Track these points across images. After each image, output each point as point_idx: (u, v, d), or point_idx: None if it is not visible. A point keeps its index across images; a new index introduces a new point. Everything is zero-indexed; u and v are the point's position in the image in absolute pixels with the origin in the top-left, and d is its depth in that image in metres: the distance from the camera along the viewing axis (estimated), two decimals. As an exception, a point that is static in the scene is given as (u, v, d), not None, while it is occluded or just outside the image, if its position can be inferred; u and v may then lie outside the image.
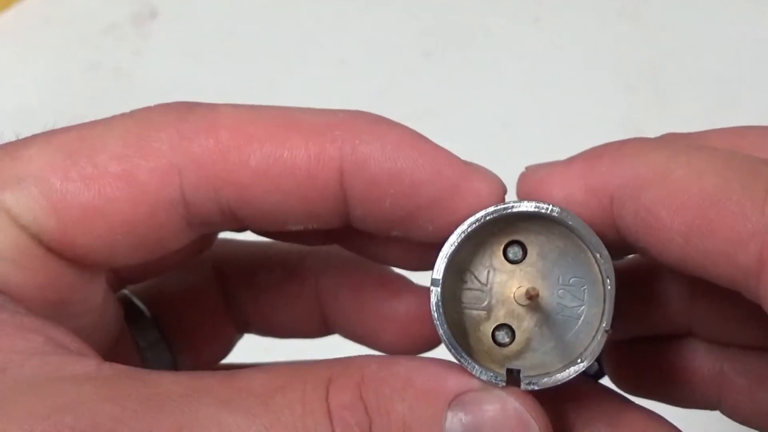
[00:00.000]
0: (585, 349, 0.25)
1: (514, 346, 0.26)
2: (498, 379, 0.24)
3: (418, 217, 0.25)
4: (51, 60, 0.76)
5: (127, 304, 0.31)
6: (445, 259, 0.25)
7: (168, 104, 0.26)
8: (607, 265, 0.25)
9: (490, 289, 0.26)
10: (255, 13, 0.78)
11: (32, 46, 0.78)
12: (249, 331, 0.34)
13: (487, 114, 0.71)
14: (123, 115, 0.26)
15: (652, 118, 0.70)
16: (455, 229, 0.25)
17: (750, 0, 0.75)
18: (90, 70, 0.76)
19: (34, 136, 0.26)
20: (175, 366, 0.32)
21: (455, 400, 0.22)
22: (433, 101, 0.72)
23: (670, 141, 0.27)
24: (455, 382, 0.23)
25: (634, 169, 0.25)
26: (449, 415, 0.22)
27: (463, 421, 0.22)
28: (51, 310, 0.25)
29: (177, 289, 0.32)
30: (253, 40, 0.77)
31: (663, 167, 0.24)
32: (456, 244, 0.25)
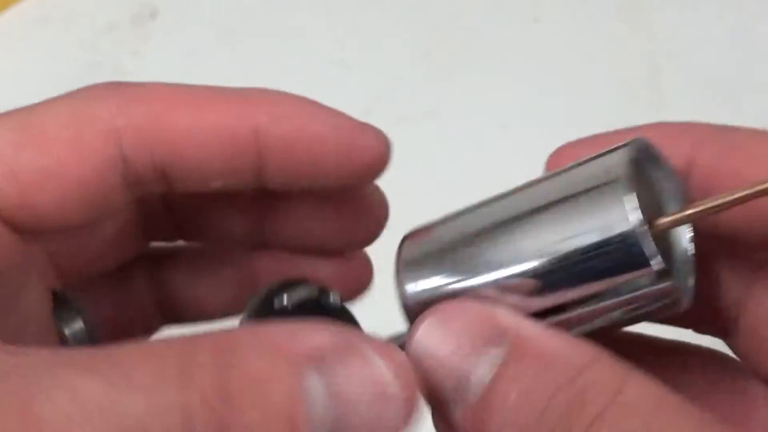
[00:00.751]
0: None
1: None
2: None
3: (323, 167, 0.29)
4: (51, 60, 0.77)
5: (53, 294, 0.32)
6: None
7: (105, 82, 0.29)
8: None
9: None
10: (255, 13, 0.78)
11: (32, 46, 0.78)
12: (178, 320, 0.34)
13: (486, 114, 0.71)
14: (65, 94, 0.29)
15: (651, 118, 0.70)
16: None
17: (750, 0, 0.75)
18: (90, 70, 0.76)
19: None
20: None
21: (316, 358, 0.21)
22: (432, 101, 0.72)
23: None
24: (317, 336, 0.21)
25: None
26: (311, 376, 0.21)
27: (322, 380, 0.21)
28: None
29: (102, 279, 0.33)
30: (253, 41, 0.77)
31: None
32: None
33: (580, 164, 0.25)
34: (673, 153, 0.26)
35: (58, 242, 0.29)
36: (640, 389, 0.21)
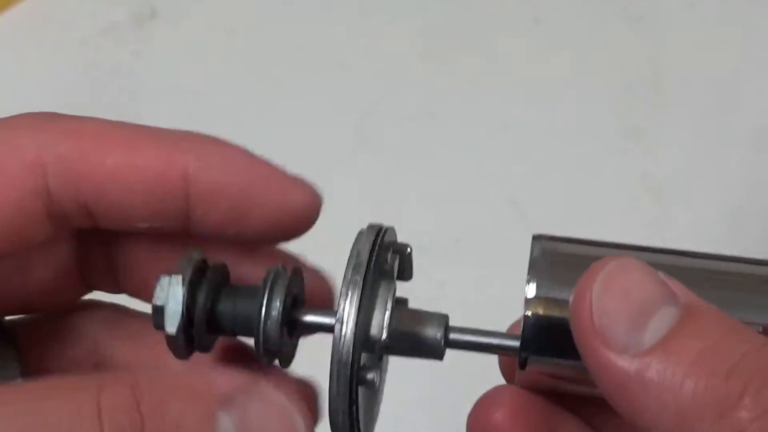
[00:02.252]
0: None
1: None
2: None
3: (250, 218, 0.29)
4: (51, 60, 0.76)
5: None
6: None
7: (36, 112, 0.29)
8: None
9: None
10: (255, 14, 0.78)
11: (32, 46, 0.78)
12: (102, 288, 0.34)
13: (487, 116, 0.71)
14: None
15: (651, 120, 0.70)
16: None
17: (750, 1, 0.75)
18: (90, 70, 0.76)
19: None
20: (26, 367, 0.32)
21: (225, 400, 0.22)
22: (432, 103, 0.72)
23: None
24: (225, 380, 0.23)
25: None
26: (221, 415, 0.22)
27: (233, 420, 0.22)
28: None
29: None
30: (253, 41, 0.77)
31: None
32: None
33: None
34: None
35: None
36: None
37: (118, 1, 0.79)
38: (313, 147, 0.71)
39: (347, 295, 0.26)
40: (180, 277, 0.27)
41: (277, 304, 0.27)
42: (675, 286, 0.24)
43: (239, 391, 0.23)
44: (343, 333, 0.26)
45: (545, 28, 0.76)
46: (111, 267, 0.32)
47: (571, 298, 0.24)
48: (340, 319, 0.26)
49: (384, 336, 0.27)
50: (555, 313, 0.26)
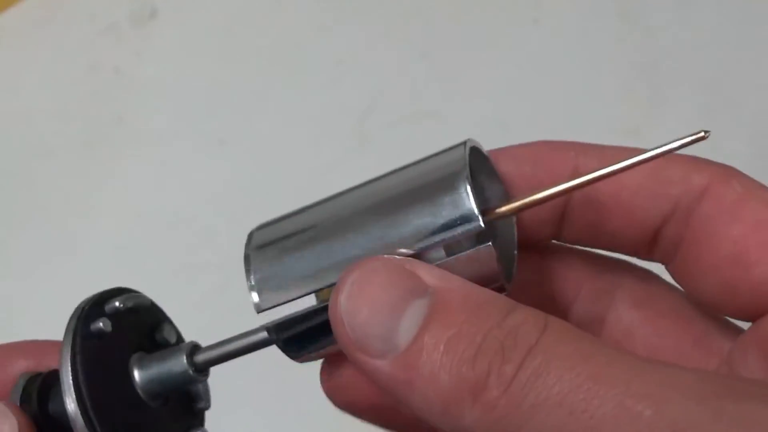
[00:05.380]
0: None
1: None
2: None
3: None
4: (51, 60, 0.77)
5: None
6: None
7: None
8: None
9: None
10: (254, 13, 0.78)
11: (32, 46, 0.78)
12: None
13: (486, 115, 0.71)
14: None
15: (650, 119, 0.70)
16: None
17: (749, 0, 0.75)
18: (90, 70, 0.76)
19: None
20: None
21: None
22: (431, 102, 0.72)
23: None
24: None
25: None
26: None
27: None
28: None
29: None
30: (253, 41, 0.77)
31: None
32: None
33: (423, 160, 0.28)
34: (559, 161, 0.29)
35: None
36: (562, 326, 0.23)
37: (118, 1, 0.79)
38: (313, 146, 0.71)
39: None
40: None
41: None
42: (423, 271, 0.24)
43: None
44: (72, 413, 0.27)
45: (545, 28, 0.76)
46: None
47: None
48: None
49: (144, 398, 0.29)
50: (288, 316, 0.27)
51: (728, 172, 0.27)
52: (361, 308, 0.24)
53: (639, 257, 0.30)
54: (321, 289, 0.26)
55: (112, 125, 0.73)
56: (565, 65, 0.74)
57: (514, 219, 0.29)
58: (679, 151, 0.25)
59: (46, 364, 0.31)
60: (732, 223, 0.26)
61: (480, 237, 0.25)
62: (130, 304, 0.29)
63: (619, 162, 0.25)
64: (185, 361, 0.29)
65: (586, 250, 0.31)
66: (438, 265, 0.25)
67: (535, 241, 0.30)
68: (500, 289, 0.25)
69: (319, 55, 0.75)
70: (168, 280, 0.64)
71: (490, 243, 0.25)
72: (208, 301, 0.64)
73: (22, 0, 0.79)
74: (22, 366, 0.31)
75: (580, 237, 0.29)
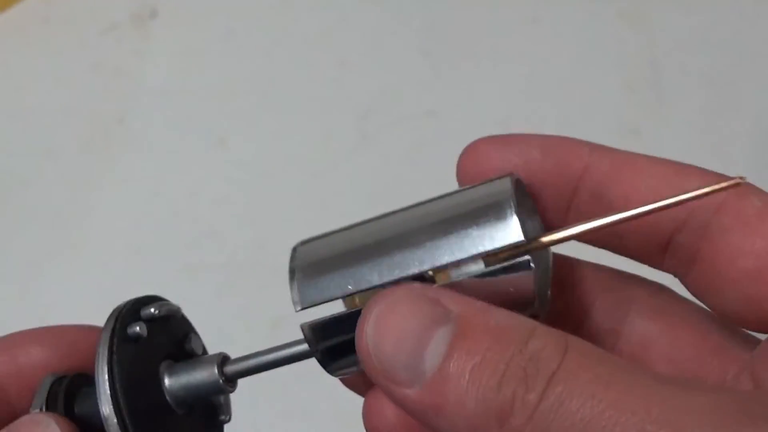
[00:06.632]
0: None
1: None
2: None
3: None
4: (51, 60, 0.77)
5: None
6: None
7: None
8: None
9: None
10: (255, 13, 0.78)
11: (32, 46, 0.78)
12: None
13: (486, 114, 0.71)
14: None
15: (651, 118, 0.70)
16: None
17: (750, 0, 0.75)
18: (90, 70, 0.76)
19: None
20: None
21: None
22: (432, 101, 0.72)
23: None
24: None
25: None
26: None
27: None
28: None
29: None
30: (253, 41, 0.77)
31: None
32: None
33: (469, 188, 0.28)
34: (572, 154, 0.29)
35: None
36: (582, 347, 0.23)
37: (118, 1, 0.79)
38: (314, 146, 0.71)
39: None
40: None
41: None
42: (447, 298, 0.25)
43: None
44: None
45: (544, 28, 0.76)
46: None
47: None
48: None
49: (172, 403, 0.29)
50: (326, 317, 0.27)
51: (745, 187, 0.27)
52: (387, 339, 0.24)
53: (650, 264, 0.30)
54: (361, 291, 0.27)
55: (113, 125, 0.73)
56: (564, 65, 0.74)
57: (551, 253, 0.29)
58: (689, 160, 0.25)
59: (59, 352, 0.31)
60: (753, 237, 0.27)
61: (517, 266, 0.26)
62: (164, 311, 0.30)
63: (657, 201, 0.26)
64: (216, 370, 0.29)
65: (598, 265, 0.31)
66: (475, 280, 0.26)
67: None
68: (534, 316, 0.26)
69: (320, 55, 0.75)
70: (168, 280, 0.64)
71: (529, 257, 0.26)
72: (208, 301, 0.64)
73: (22, 0, 0.79)
74: (35, 353, 0.31)
75: (585, 234, 0.30)
